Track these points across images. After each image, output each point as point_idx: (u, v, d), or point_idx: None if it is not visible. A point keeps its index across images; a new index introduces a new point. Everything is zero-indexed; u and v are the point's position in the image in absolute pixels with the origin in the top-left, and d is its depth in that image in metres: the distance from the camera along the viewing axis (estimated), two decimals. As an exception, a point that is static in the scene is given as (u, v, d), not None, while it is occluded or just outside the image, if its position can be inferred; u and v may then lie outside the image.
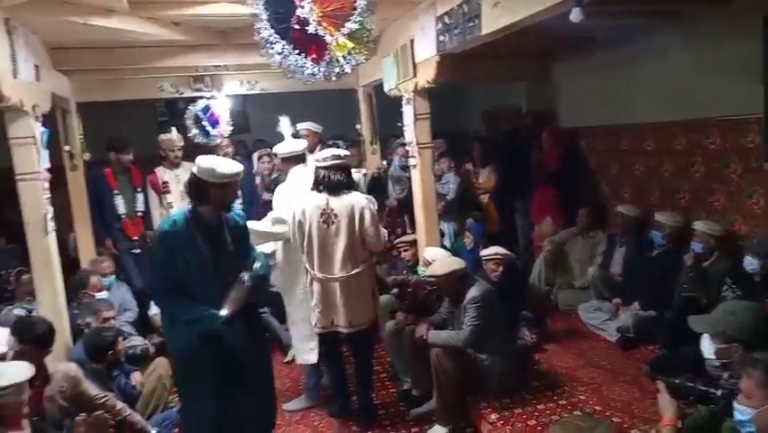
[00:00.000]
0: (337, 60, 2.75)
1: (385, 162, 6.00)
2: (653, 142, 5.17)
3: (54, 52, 4.40)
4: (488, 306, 3.44)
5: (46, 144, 3.71)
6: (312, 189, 3.51)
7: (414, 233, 4.82)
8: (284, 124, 3.90)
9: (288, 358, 4.65)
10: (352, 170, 3.85)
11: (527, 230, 6.10)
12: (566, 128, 6.17)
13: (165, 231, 2.72)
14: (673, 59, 4.77)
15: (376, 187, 5.78)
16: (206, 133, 5.88)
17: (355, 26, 2.69)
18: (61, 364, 3.17)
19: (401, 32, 4.31)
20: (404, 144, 5.42)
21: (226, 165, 2.79)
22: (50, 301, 3.67)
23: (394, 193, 5.84)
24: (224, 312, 2.69)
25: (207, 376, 2.80)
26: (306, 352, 3.82)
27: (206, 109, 5.83)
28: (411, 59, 4.08)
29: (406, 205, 5.30)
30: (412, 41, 4.06)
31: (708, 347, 2.94)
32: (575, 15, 2.51)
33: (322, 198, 3.47)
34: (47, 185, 3.66)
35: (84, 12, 3.52)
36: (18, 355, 2.95)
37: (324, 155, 3.54)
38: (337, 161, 3.49)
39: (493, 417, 3.52)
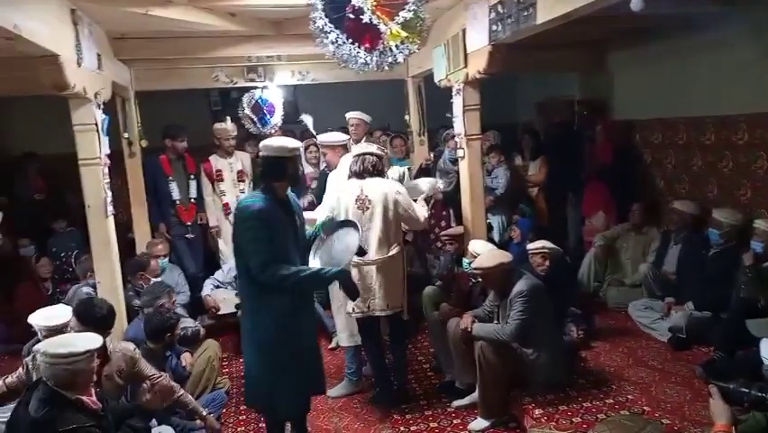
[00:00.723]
0: (390, 50, 2.75)
1: (432, 154, 5.96)
2: (712, 135, 4.97)
3: (115, 42, 4.56)
4: (534, 300, 3.40)
5: (106, 131, 3.86)
6: (348, 178, 3.74)
7: (459, 226, 4.80)
8: (307, 121, 3.95)
9: (333, 345, 4.72)
10: (396, 167, 3.93)
11: (578, 225, 5.98)
12: (620, 120, 6.00)
13: (262, 208, 2.81)
14: (736, 48, 4.55)
15: (422, 177, 5.75)
16: (259, 123, 6.00)
17: (409, 15, 2.68)
18: (120, 344, 3.28)
19: (453, 21, 4.27)
20: (455, 136, 5.39)
21: (292, 140, 3.09)
22: (108, 281, 3.83)
23: (442, 186, 5.80)
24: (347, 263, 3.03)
25: (298, 349, 2.96)
26: (348, 337, 3.92)
27: (259, 99, 5.94)
28: (462, 49, 4.03)
29: (452, 198, 5.26)
30: (464, 31, 4.01)
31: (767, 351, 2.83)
32: (635, 4, 2.43)
33: (356, 185, 3.66)
34: (107, 170, 3.81)
35: (144, 2, 3.64)
36: None
37: (360, 149, 3.81)
38: (369, 150, 3.74)
39: (537, 412, 3.48)
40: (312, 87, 6.19)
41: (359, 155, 3.74)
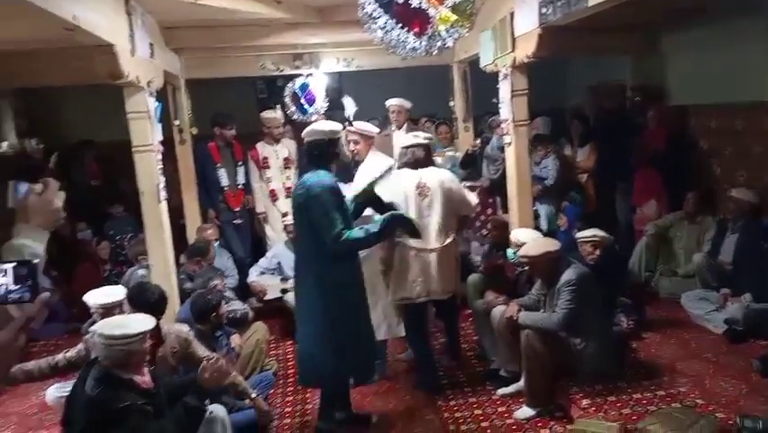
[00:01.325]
0: (439, 34, 2.71)
1: (479, 140, 5.90)
2: (774, 121, 4.73)
3: (166, 31, 4.67)
4: (583, 289, 3.34)
5: (159, 118, 3.96)
6: (402, 167, 3.79)
7: (505, 214, 4.74)
8: (348, 105, 3.92)
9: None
10: (449, 153, 3.93)
11: (628, 213, 5.82)
12: (675, 106, 5.77)
13: (332, 183, 3.05)
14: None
15: (469, 165, 5.71)
16: (303, 110, 6.05)
17: (459, -2, 2.64)
18: (174, 326, 3.38)
19: (500, 4, 4.19)
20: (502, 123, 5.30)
21: (331, 123, 3.27)
22: (161, 265, 3.94)
23: (488, 173, 5.74)
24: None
25: (356, 326, 3.20)
26: (394, 327, 3.95)
27: (304, 87, 5.99)
28: (510, 32, 3.96)
29: (498, 186, 5.20)
30: (512, 14, 3.93)
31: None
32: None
33: (414, 174, 3.71)
34: (160, 157, 3.92)
35: (194, -9, 3.71)
36: None
37: (407, 140, 3.89)
38: (416, 142, 3.82)
39: (585, 402, 3.43)
40: (356, 74, 6.21)
41: (407, 147, 3.80)
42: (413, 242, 3.53)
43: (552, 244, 3.52)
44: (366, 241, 3.07)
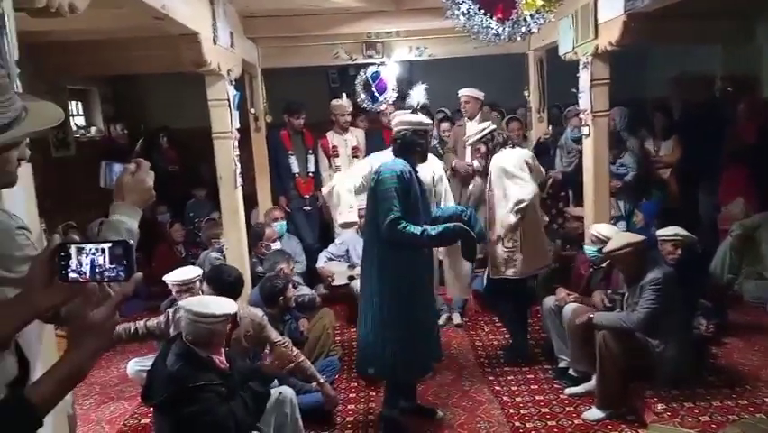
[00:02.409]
0: (525, 20, 2.63)
1: (550, 128, 5.72)
2: None
3: (245, 20, 4.78)
4: (668, 289, 3.19)
5: (237, 106, 4.07)
6: (503, 148, 4.00)
7: (578, 208, 4.59)
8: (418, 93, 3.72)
9: (442, 322, 4.71)
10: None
11: (711, 211, 5.50)
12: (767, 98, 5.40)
13: (403, 170, 3.03)
14: None
15: (540, 153, 5.57)
16: (374, 99, 6.06)
17: (546, -18, 2.55)
18: (249, 309, 3.47)
19: (582, -10, 4.03)
20: (579, 113, 5.13)
21: (424, 116, 3.29)
22: (236, 247, 4.08)
23: (561, 165, 5.56)
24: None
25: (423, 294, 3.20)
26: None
27: (376, 75, 5.99)
28: (593, 19, 3.80)
29: (572, 179, 5.03)
30: (595, 1, 3.78)
31: None
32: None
33: (524, 152, 4.06)
34: (236, 143, 4.04)
35: (273, -20, 3.78)
36: None
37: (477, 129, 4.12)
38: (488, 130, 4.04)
39: (660, 407, 3.29)
40: (427, 63, 6.16)
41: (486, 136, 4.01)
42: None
43: (636, 237, 3.39)
44: (418, 239, 2.96)
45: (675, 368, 3.29)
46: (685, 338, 3.40)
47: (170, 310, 3.39)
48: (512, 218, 3.85)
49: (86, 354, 1.02)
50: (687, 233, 3.83)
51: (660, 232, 3.90)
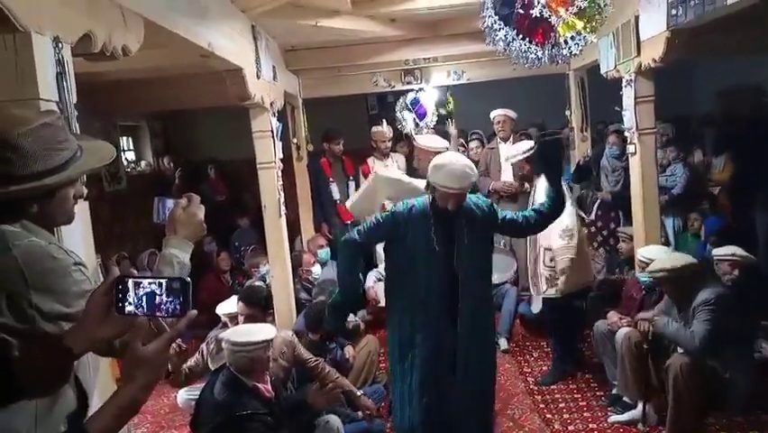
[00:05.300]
0: (565, 42, 2.60)
1: (588, 151, 5.61)
2: None
3: (287, 54, 4.91)
4: (723, 311, 3.04)
5: (280, 137, 4.16)
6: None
7: (628, 227, 4.47)
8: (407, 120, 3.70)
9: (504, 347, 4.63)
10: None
11: (768, 229, 5.25)
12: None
13: (398, 212, 2.84)
14: None
15: (583, 177, 5.46)
16: (414, 125, 6.09)
17: (584, 3, 2.52)
18: (281, 332, 3.51)
19: (622, 8, 3.95)
20: (616, 132, 5.03)
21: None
22: (281, 275, 4.13)
23: (608, 185, 5.42)
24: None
25: (417, 365, 2.83)
26: None
27: (415, 101, 6.03)
28: (635, 36, 3.74)
29: (621, 198, 4.90)
30: (636, 18, 3.72)
31: None
32: None
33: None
34: (280, 173, 4.12)
35: (313, 14, 3.88)
36: (248, 319, 3.38)
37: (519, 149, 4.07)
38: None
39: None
40: (465, 87, 6.17)
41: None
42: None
43: (691, 258, 3.28)
44: (339, 266, 3.06)
45: (740, 395, 3.12)
46: (747, 363, 3.23)
47: (203, 346, 3.47)
48: (560, 242, 3.80)
49: (138, 388, 1.04)
50: (745, 253, 3.66)
51: (716, 251, 3.74)
